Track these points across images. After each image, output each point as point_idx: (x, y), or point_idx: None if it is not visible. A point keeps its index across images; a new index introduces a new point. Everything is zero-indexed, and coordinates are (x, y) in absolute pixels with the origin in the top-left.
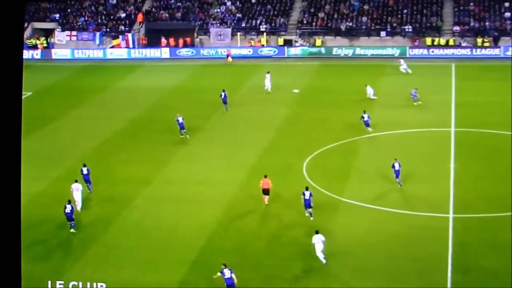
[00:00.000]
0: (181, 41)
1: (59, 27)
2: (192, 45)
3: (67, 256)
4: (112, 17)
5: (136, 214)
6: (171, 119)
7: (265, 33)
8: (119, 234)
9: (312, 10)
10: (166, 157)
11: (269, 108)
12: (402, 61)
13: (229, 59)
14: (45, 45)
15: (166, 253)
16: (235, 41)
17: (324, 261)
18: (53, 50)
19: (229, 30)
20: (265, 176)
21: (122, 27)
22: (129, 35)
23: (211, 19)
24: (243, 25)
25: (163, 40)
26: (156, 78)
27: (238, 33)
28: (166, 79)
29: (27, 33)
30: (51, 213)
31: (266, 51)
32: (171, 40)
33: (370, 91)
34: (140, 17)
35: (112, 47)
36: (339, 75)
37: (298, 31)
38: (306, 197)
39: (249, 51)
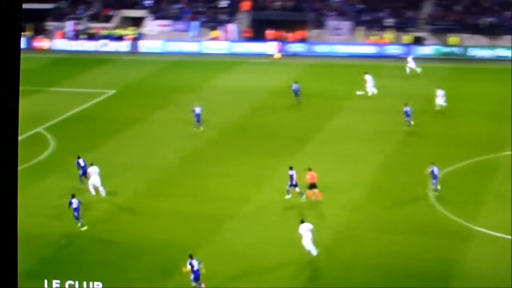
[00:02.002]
0: (291, 35)
1: (151, 15)
2: (304, 39)
3: None
4: (211, 4)
5: (228, 237)
6: (275, 126)
7: (390, 29)
8: (214, 260)
9: (446, 2)
10: (266, 171)
11: (386, 117)
12: (410, 59)
13: (277, 54)
14: (133, 35)
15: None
16: (354, 37)
17: (314, 252)
18: (141, 42)
19: (348, 23)
20: (310, 169)
21: (223, 17)
22: (231, 26)
23: (328, 10)
24: (365, 18)
25: (271, 33)
26: (260, 77)
27: (359, 28)
28: (272, 78)
29: (113, 22)
30: (128, 230)
31: (391, 49)
32: (280, 33)
33: None
34: (245, 5)
35: (210, 39)
36: (475, 80)
37: (429, 27)
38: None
39: (371, 49)
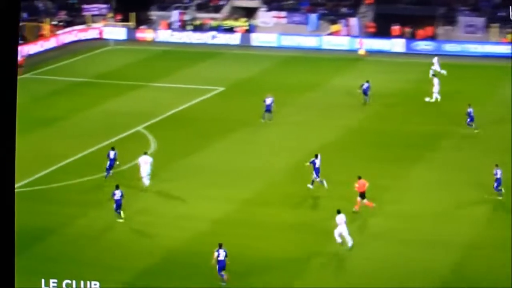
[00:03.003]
0: (419, 31)
1: (265, 5)
2: (433, 37)
3: None
4: None
5: (339, 251)
6: (396, 131)
7: None
8: (322, 275)
9: None
10: (384, 181)
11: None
12: (435, 60)
13: (362, 50)
14: (245, 27)
15: None
16: (488, 35)
17: (350, 243)
18: (254, 35)
19: (483, 20)
20: (359, 178)
21: (345, 9)
22: (353, 20)
23: (461, 5)
24: (501, 14)
25: (396, 29)
26: (383, 77)
27: (494, 25)
28: (394, 79)
29: (223, 12)
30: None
31: None
32: (407, 29)
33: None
34: None
35: (330, 34)
36: None
37: None
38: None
39: (508, 49)
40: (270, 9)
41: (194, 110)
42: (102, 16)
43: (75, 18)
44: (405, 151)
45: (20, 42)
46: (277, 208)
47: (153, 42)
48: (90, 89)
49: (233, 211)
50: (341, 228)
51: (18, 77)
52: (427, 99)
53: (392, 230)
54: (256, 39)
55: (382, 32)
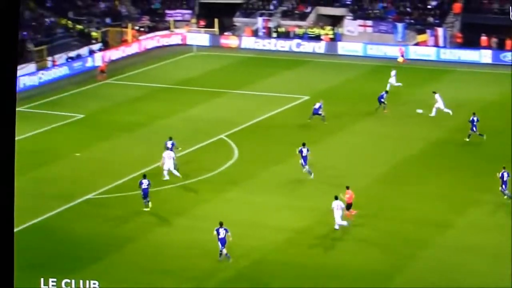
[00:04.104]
0: (509, 42)
1: (350, 14)
2: None
3: None
4: (419, 4)
5: (427, 266)
6: (483, 144)
7: None
8: None
9: None
10: (473, 194)
11: None
12: (393, 73)
13: (400, 58)
14: (331, 36)
15: None
16: None
17: (345, 223)
18: (340, 44)
19: None
20: (347, 188)
21: (431, 19)
22: (440, 30)
23: None
24: None
25: (485, 39)
26: (470, 88)
27: None
28: (482, 91)
29: (309, 20)
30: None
31: None
32: (495, 40)
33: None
34: (456, 7)
35: (417, 44)
36: None
37: None
38: (303, 154)
39: None
40: (356, 18)
41: (278, 119)
42: (185, 22)
43: (158, 23)
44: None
45: (103, 47)
46: (365, 219)
47: (237, 49)
48: (172, 95)
49: (315, 222)
50: (337, 213)
51: (100, 82)
52: (419, 110)
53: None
54: (342, 47)
55: (470, 42)
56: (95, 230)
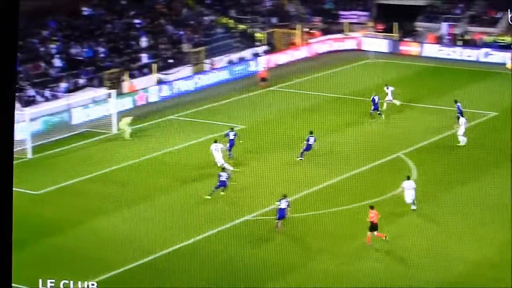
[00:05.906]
0: None
1: None
2: None
3: None
4: None
5: None
6: None
7: None
8: None
9: None
10: None
11: None
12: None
13: (509, 65)
14: None
15: None
16: None
17: (414, 207)
18: None
19: None
20: (372, 207)
21: None
22: None
23: None
24: None
25: None
26: None
27: None
28: None
29: (500, 27)
30: None
31: None
32: None
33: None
34: None
35: None
36: None
37: None
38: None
39: None
40: None
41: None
42: (361, 25)
43: (330, 25)
44: None
45: (268, 50)
46: None
47: (418, 57)
48: (344, 107)
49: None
50: (409, 193)
51: (262, 90)
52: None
53: None
54: None
55: None
56: None
